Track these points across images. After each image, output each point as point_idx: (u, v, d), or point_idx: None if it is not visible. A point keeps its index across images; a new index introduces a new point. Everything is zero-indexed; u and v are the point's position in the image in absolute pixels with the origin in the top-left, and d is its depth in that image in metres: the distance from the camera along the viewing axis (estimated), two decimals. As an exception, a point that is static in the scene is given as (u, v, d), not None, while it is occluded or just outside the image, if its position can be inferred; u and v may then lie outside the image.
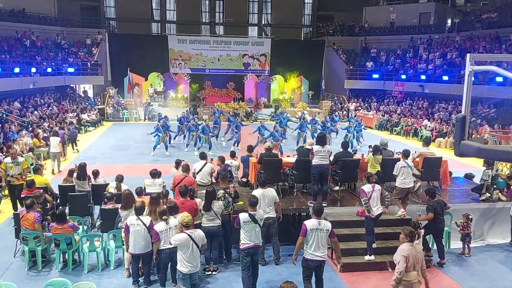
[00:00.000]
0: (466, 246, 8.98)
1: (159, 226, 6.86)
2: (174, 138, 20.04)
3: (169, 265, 7.23)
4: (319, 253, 6.48)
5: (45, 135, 17.66)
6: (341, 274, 7.99)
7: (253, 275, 7.14)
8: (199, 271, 6.66)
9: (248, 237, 6.89)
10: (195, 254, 6.37)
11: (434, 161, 10.25)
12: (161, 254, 6.94)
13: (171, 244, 6.61)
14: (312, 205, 9.05)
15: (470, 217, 8.94)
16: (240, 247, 6.96)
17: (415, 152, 10.68)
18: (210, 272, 7.86)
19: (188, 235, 6.33)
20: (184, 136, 19.85)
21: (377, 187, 8.25)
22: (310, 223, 6.49)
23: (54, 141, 15.11)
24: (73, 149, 18.19)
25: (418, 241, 7.36)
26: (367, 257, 8.27)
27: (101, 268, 7.92)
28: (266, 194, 7.82)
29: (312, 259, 6.50)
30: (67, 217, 8.06)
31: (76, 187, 9.97)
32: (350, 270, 8.06)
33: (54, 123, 20.52)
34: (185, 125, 19.65)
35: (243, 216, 6.91)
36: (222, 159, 10.33)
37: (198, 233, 6.49)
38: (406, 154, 9.37)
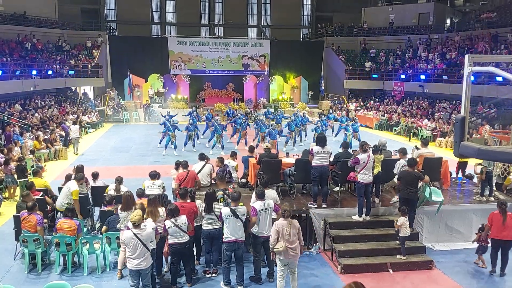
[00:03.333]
0: (480, 258, 8.62)
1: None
2: (203, 134, 20.99)
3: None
4: (265, 231, 7.30)
5: (46, 137, 17.68)
6: (341, 275, 7.98)
7: (239, 269, 7.40)
8: (149, 270, 6.64)
9: (229, 231, 7.19)
10: (141, 252, 6.43)
11: (434, 161, 10.24)
12: None
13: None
14: (312, 205, 9.13)
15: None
16: (223, 240, 7.30)
17: (413, 151, 10.70)
18: (210, 275, 7.85)
19: (134, 233, 6.41)
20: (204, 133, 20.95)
21: (372, 156, 8.75)
22: (257, 205, 7.28)
23: (75, 128, 18.62)
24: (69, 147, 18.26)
25: (404, 218, 8.32)
26: (355, 217, 8.91)
27: (101, 271, 7.92)
28: (267, 195, 7.82)
29: (261, 236, 7.38)
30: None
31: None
32: (350, 271, 8.05)
33: (55, 125, 20.56)
34: (189, 124, 19.32)
35: (225, 211, 7.21)
36: (221, 160, 10.35)
37: (146, 232, 6.53)
38: (404, 152, 9.60)
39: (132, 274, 6.54)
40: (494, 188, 10.38)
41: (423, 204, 9.43)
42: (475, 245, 9.30)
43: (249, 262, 7.93)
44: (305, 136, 20.83)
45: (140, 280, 6.58)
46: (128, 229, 6.57)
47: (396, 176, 9.15)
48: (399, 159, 9.39)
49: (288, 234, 6.86)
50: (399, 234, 8.33)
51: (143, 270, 6.53)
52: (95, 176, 10.32)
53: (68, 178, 10.03)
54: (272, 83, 34.30)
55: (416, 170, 8.83)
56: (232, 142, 19.29)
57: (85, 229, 9.01)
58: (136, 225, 6.47)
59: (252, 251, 7.70)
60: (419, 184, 8.96)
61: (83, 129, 23.29)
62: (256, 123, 19.38)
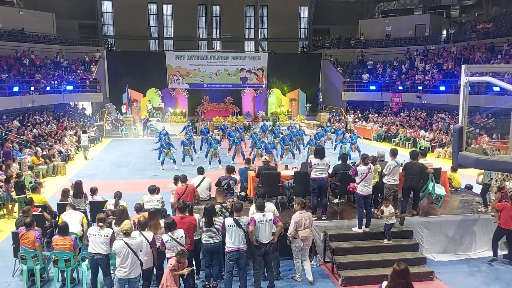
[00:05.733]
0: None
1: (92, 230, 7.33)
2: (201, 148, 20.97)
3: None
4: (265, 241, 7.32)
5: (44, 153, 17.65)
6: (342, 288, 7.92)
7: (242, 281, 7.36)
8: (138, 279, 6.71)
9: (232, 241, 7.20)
10: (131, 260, 6.53)
11: (433, 171, 10.20)
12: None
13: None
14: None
15: None
16: (225, 250, 7.28)
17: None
18: (210, 289, 7.78)
19: (125, 242, 6.52)
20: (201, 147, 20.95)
21: (373, 168, 8.79)
22: (257, 216, 7.34)
23: (84, 137, 20.81)
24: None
25: (389, 207, 8.60)
26: (355, 229, 8.86)
27: (100, 286, 7.81)
28: (266, 208, 7.77)
29: (261, 245, 7.37)
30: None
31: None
32: (351, 284, 7.96)
33: (54, 141, 20.55)
34: (185, 138, 19.51)
35: (228, 221, 7.27)
36: (228, 169, 10.43)
37: (137, 241, 6.64)
38: (394, 153, 9.57)
39: (120, 283, 6.62)
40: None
41: (423, 215, 9.43)
42: (477, 255, 9.29)
43: (249, 276, 7.85)
44: (304, 148, 20.80)
45: None
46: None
47: (386, 174, 9.24)
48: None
49: (305, 224, 7.71)
50: (386, 222, 8.61)
51: (133, 279, 6.62)
52: (93, 191, 10.25)
53: (64, 194, 9.98)
54: (270, 96, 34.45)
55: (419, 162, 9.14)
56: (230, 156, 19.27)
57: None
58: (127, 233, 6.55)
59: (252, 264, 7.64)
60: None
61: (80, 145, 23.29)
62: (251, 138, 19.36)
